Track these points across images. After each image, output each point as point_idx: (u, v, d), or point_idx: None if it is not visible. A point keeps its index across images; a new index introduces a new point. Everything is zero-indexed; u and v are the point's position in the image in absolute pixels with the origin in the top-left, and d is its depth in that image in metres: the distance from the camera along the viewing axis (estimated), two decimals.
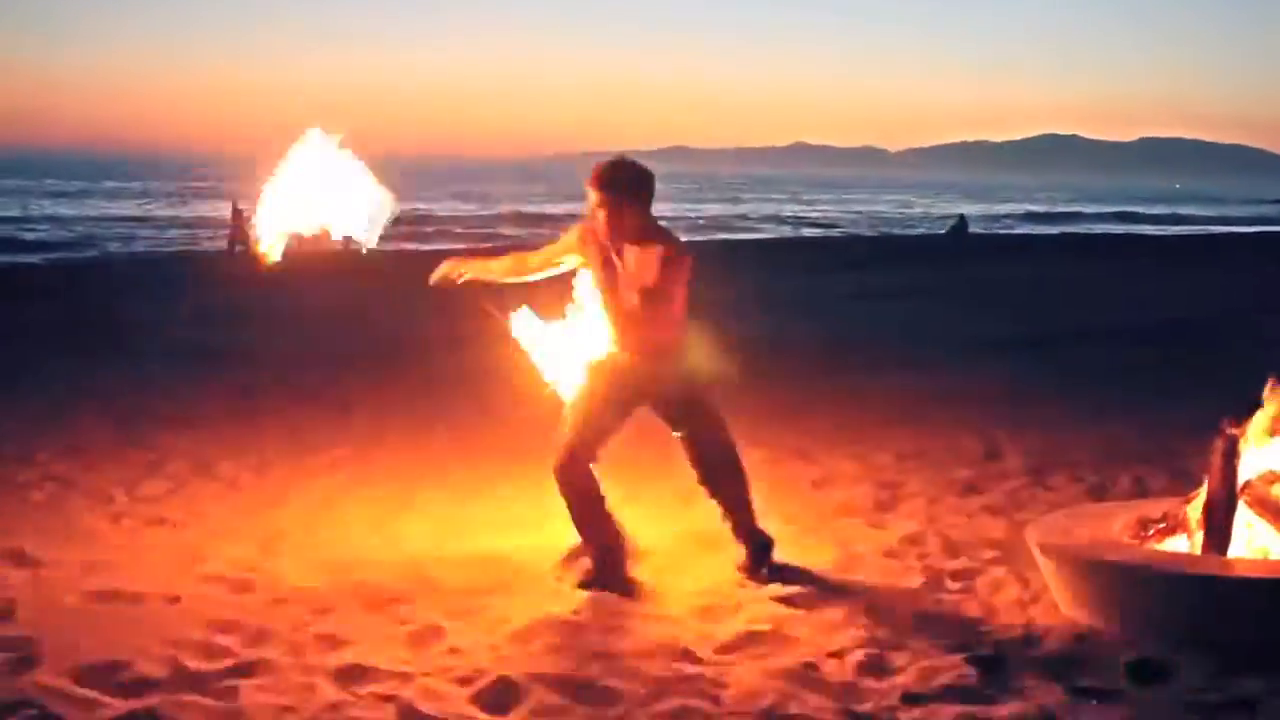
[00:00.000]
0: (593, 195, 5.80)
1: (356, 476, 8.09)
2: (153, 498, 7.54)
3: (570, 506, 5.87)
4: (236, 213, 39.47)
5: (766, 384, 11.12)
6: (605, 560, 5.81)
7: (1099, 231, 61.86)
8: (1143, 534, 5.67)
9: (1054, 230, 62.49)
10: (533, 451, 6.49)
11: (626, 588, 5.70)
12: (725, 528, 6.04)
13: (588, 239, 5.91)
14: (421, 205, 72.02)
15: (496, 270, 6.31)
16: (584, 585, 5.73)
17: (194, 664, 4.74)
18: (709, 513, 6.81)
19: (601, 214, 5.78)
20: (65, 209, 66.00)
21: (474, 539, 6.58)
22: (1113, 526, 5.69)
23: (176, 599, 5.55)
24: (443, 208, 70.82)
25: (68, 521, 6.97)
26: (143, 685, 4.53)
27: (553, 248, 6.19)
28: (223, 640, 5.00)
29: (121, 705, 4.35)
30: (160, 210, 66.57)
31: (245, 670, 4.67)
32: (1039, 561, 5.58)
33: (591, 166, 5.92)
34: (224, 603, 5.53)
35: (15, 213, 60.78)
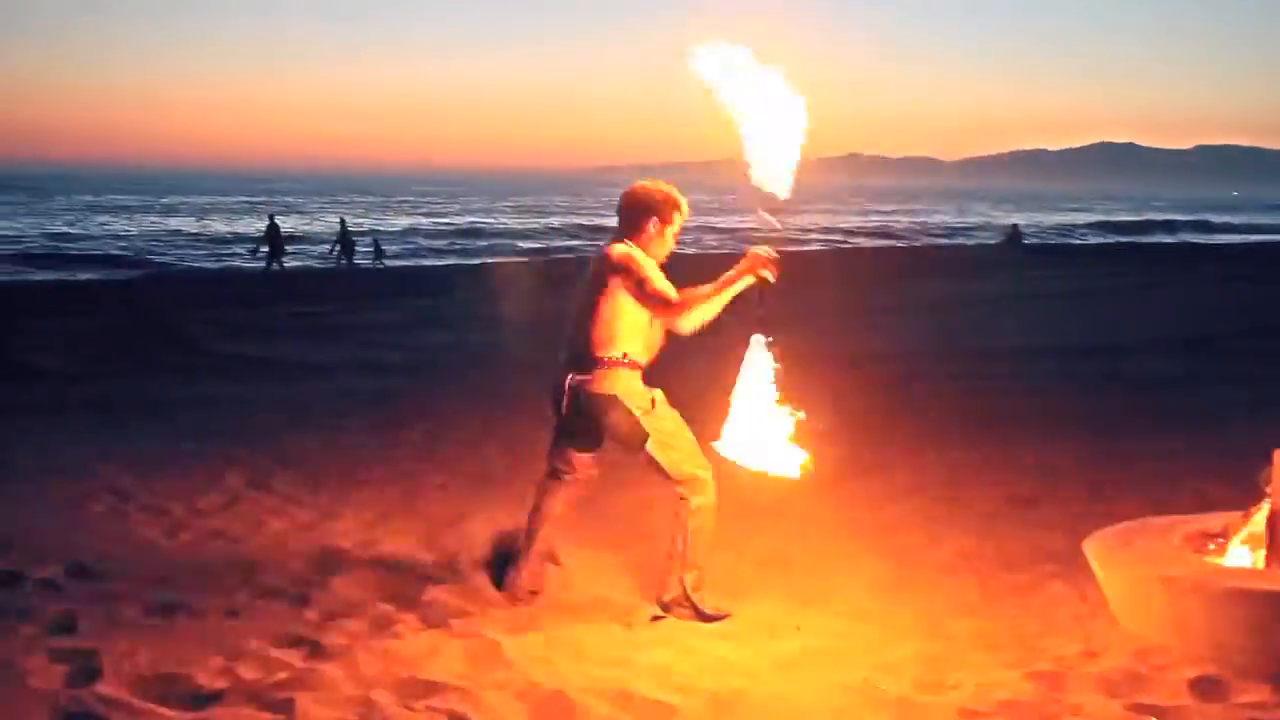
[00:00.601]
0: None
1: (410, 491, 8.12)
2: (209, 511, 7.61)
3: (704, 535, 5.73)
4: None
5: (820, 398, 11.08)
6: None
7: (1156, 241, 61.32)
8: (1204, 548, 5.59)
9: (1110, 239, 61.98)
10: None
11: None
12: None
13: None
14: (479, 218, 72.46)
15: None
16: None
17: (252, 676, 4.77)
18: (769, 531, 6.84)
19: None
20: (124, 225, 67.11)
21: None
22: (1173, 540, 5.61)
23: (235, 612, 5.59)
24: (498, 220, 71.48)
25: (127, 534, 7.05)
26: (202, 697, 4.56)
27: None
28: (280, 654, 5.03)
29: (180, 717, 4.39)
30: (218, 226, 67.49)
31: (303, 683, 4.69)
32: (1098, 576, 5.52)
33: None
34: (281, 616, 5.56)
35: (77, 230, 61.92)
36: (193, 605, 5.65)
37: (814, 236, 65.48)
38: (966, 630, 5.37)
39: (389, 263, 40.10)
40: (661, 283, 5.51)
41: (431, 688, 4.66)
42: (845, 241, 61.60)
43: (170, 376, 13.24)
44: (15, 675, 4.74)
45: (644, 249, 5.60)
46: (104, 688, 4.62)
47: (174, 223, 69.69)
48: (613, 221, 5.82)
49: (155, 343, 16.23)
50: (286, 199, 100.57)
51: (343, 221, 42.41)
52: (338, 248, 39.72)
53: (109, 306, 21.51)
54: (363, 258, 39.75)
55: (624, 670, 4.91)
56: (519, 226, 69.29)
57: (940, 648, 5.17)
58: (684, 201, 5.72)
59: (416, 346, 15.86)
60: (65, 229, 61.25)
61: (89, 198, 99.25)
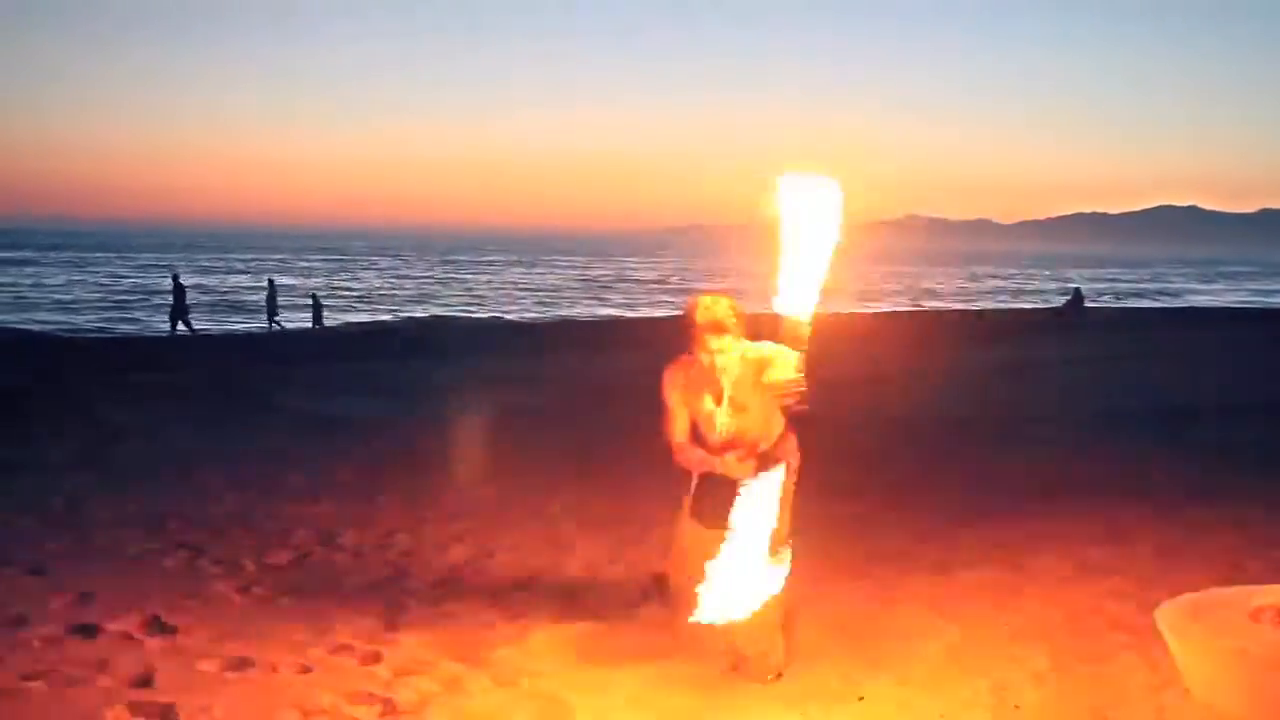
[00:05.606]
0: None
1: (478, 549, 8.17)
2: (280, 567, 7.70)
3: None
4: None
5: (892, 463, 11.07)
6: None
7: (1220, 305, 60.77)
8: (1278, 620, 5.54)
9: (1174, 304, 61.49)
10: (658, 527, 6.52)
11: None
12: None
13: None
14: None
15: None
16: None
17: None
18: (837, 596, 6.85)
19: None
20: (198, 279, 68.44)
21: (598, 611, 6.60)
22: (1246, 611, 5.56)
23: (308, 668, 5.66)
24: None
25: (200, 589, 7.14)
26: None
27: None
28: (353, 710, 5.10)
29: None
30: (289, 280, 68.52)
31: None
32: (1171, 646, 5.47)
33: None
34: (353, 673, 5.63)
35: (148, 281, 63.28)
36: (266, 661, 5.73)
37: (877, 300, 65.51)
38: (1036, 699, 5.34)
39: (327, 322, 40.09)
40: (669, 417, 5.53)
41: None
42: (899, 305, 61.52)
43: (242, 432, 13.42)
44: None
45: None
46: None
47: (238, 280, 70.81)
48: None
49: (228, 399, 16.48)
50: (372, 257, 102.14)
51: (271, 282, 42.81)
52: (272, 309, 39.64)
53: (180, 364, 21.81)
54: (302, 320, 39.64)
55: None
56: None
57: (1010, 716, 5.14)
58: (701, 312, 5.47)
59: (478, 406, 15.96)
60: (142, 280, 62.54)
61: (171, 255, 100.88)
